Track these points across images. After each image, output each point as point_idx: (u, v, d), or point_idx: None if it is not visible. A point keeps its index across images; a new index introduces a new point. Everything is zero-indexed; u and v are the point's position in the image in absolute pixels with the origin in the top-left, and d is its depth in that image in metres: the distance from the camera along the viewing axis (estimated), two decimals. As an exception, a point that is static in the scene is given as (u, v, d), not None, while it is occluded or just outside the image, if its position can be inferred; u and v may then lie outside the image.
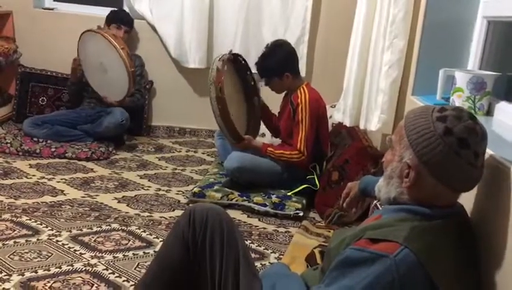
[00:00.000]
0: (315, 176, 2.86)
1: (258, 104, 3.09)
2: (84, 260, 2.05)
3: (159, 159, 3.50)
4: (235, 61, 3.01)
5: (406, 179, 1.15)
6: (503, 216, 1.13)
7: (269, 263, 2.16)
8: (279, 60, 2.86)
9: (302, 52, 3.77)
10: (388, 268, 1.03)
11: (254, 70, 3.02)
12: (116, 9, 3.85)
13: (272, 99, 3.17)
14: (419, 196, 1.15)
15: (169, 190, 2.94)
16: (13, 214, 2.41)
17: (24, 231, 2.25)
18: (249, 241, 2.33)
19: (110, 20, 3.69)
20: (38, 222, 2.35)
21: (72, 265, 1.99)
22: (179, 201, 2.78)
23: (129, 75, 3.29)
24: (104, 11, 3.84)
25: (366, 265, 1.05)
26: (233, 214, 2.58)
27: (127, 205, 2.66)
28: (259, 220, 2.63)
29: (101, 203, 2.65)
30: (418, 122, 1.13)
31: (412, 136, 1.13)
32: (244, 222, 2.58)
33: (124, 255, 2.12)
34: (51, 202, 2.60)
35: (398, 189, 1.18)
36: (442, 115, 1.12)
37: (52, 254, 2.07)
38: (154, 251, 2.15)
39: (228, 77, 2.91)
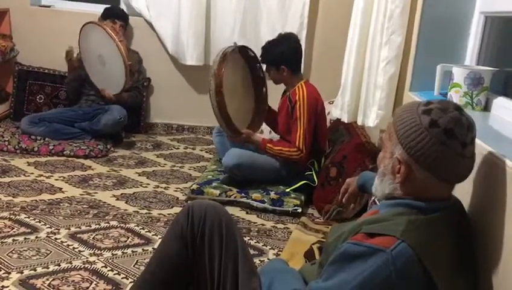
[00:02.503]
0: (313, 173, 2.86)
1: (265, 96, 3.09)
2: (83, 257, 2.05)
3: (157, 156, 3.50)
4: (244, 54, 3.01)
5: (398, 174, 1.16)
6: (499, 210, 1.14)
7: (268, 259, 2.17)
8: (280, 51, 2.89)
9: (299, 48, 3.77)
10: (385, 262, 1.04)
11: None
12: (110, 5, 3.84)
13: (272, 98, 3.16)
14: (412, 191, 1.16)
15: (168, 187, 2.94)
16: (11, 212, 2.41)
17: (23, 229, 2.25)
18: (248, 238, 2.34)
19: (105, 16, 3.69)
20: (37, 220, 2.35)
21: (71, 262, 2.00)
22: (177, 198, 2.78)
23: (126, 68, 3.29)
24: (100, 9, 3.83)
25: (363, 259, 1.06)
26: (232, 210, 2.59)
27: (126, 202, 2.66)
28: (257, 216, 2.63)
29: (100, 200, 2.65)
30: (405, 118, 1.15)
31: (400, 131, 1.14)
32: (243, 219, 2.59)
33: (122, 252, 2.12)
34: (49, 199, 2.60)
35: (392, 185, 1.19)
36: (427, 108, 1.13)
37: (51, 251, 2.08)
38: (153, 248, 2.15)
39: (235, 70, 2.91)
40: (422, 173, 1.12)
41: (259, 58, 3.00)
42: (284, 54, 2.89)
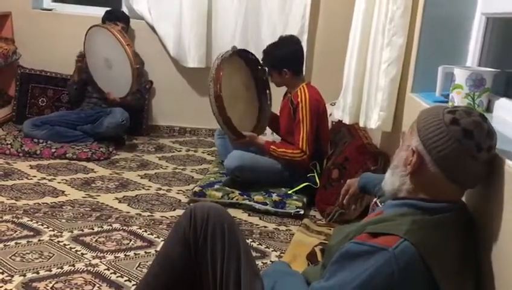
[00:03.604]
0: (315, 174, 2.86)
1: (269, 99, 3.09)
2: (86, 260, 2.05)
3: (160, 159, 3.50)
4: (244, 57, 3.01)
5: (409, 165, 1.17)
6: (497, 208, 1.14)
7: (270, 261, 2.17)
8: (282, 54, 2.89)
9: (301, 50, 3.77)
10: (388, 260, 1.04)
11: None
12: (111, 8, 3.84)
13: (273, 99, 3.17)
14: (420, 186, 1.17)
15: (170, 190, 2.94)
16: (14, 215, 2.41)
17: (25, 232, 2.25)
18: (250, 240, 2.34)
19: (105, 19, 3.68)
20: (40, 223, 2.35)
21: (73, 265, 2.00)
22: (179, 200, 2.79)
23: (133, 72, 3.29)
24: (102, 11, 3.83)
25: (366, 258, 1.06)
26: (234, 213, 2.59)
27: (128, 205, 2.66)
28: (260, 218, 2.63)
29: (102, 203, 2.65)
30: (429, 114, 1.18)
31: (420, 124, 1.17)
32: (245, 221, 2.59)
33: (125, 255, 2.13)
34: (52, 202, 2.61)
35: (402, 178, 1.20)
36: (453, 109, 1.17)
37: (54, 254, 2.08)
38: (155, 251, 2.16)
39: (235, 74, 2.92)
40: (433, 168, 1.14)
41: (261, 62, 3.00)
42: (286, 56, 2.89)
